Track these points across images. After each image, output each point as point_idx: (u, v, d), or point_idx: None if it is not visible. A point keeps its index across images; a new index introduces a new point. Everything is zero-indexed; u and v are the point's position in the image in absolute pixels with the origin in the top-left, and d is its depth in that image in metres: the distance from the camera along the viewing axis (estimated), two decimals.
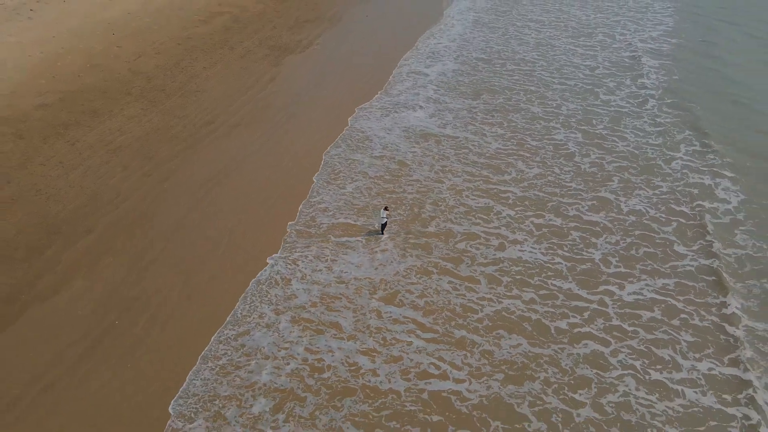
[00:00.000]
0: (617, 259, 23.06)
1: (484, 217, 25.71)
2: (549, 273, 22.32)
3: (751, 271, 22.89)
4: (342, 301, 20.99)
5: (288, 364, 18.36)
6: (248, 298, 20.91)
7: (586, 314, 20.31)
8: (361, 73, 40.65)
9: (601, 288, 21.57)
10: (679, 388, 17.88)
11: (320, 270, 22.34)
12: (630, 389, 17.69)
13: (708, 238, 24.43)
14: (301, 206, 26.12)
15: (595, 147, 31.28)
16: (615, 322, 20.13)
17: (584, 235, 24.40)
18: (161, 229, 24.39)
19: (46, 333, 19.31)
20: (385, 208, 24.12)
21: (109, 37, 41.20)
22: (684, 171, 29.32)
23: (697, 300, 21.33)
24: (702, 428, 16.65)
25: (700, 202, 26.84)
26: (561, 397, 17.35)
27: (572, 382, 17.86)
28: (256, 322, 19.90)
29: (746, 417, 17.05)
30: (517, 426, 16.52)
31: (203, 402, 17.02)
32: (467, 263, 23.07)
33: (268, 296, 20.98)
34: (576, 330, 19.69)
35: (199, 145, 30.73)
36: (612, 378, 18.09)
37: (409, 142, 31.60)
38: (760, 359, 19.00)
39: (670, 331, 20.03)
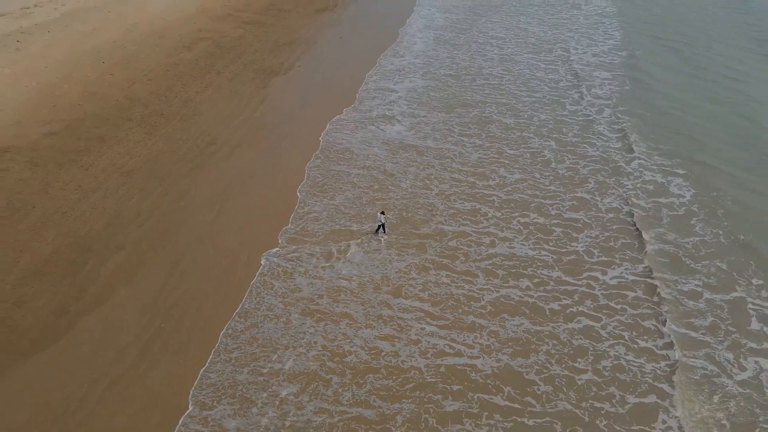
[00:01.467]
0: (598, 250, 26.79)
1: (473, 218, 29.14)
2: (538, 264, 25.88)
3: (705, 254, 26.98)
4: (347, 294, 23.91)
5: (309, 351, 21.13)
6: (267, 300, 23.61)
7: (576, 297, 23.91)
8: (343, 91, 43.79)
9: (586, 275, 25.22)
10: (664, 352, 21.55)
11: (323, 267, 25.27)
12: (621, 354, 21.27)
13: (669, 228, 28.45)
14: (300, 216, 28.88)
15: (569, 153, 35.25)
16: (602, 301, 23.76)
17: (567, 230, 28.13)
18: (186, 243, 26.84)
19: (101, 338, 21.60)
20: (382, 212, 27.21)
21: (99, 66, 43.17)
22: (641, 170, 33.48)
23: (669, 279, 25.19)
24: (685, 379, 20.35)
25: (657, 199, 30.93)
26: (563, 365, 20.79)
27: (571, 352, 21.34)
28: (273, 315, 22.64)
29: (704, 367, 20.83)
30: (527, 389, 19.84)
31: (225, 388, 19.59)
32: (462, 260, 26.38)
33: (281, 292, 23.73)
34: (569, 310, 23.25)
35: (206, 165, 33.19)
36: (605, 347, 21.63)
37: (391, 153, 34.79)
38: (719, 323, 22.92)
39: (651, 306, 23.80)
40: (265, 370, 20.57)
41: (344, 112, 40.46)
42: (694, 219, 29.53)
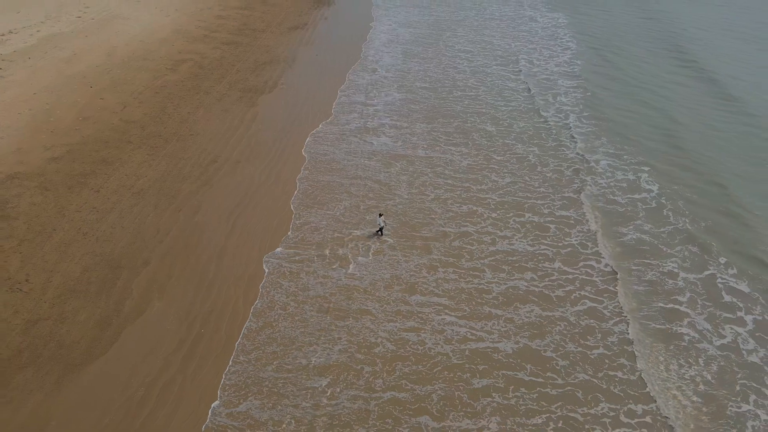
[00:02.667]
0: (592, 242, 30.06)
1: (472, 219, 32.01)
2: (539, 258, 28.91)
3: (680, 239, 30.67)
4: (360, 292, 26.32)
5: (334, 345, 23.45)
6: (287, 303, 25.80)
7: (577, 283, 27.01)
8: (327, 106, 46.22)
9: (582, 264, 28.40)
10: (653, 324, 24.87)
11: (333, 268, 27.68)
12: (624, 330, 24.45)
13: (645, 220, 32.06)
14: (297, 226, 31.12)
15: (551, 157, 38.69)
16: (601, 286, 26.95)
17: (560, 227, 31.29)
18: (209, 254, 28.69)
19: (147, 345, 23.31)
20: (380, 215, 29.89)
21: (88, 90, 44.28)
22: (611, 169, 37.23)
23: (652, 264, 28.66)
24: (672, 347, 23.59)
25: (631, 195, 34.61)
26: (576, 342, 23.76)
27: (581, 331, 24.35)
28: (287, 314, 24.85)
29: (689, 334, 24.22)
30: (547, 365, 22.71)
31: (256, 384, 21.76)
32: (467, 257, 29.16)
33: (291, 291, 25.96)
34: (573, 295, 26.31)
35: (212, 182, 34.98)
36: (610, 325, 24.77)
37: (382, 164, 37.39)
38: (698, 298, 26.44)
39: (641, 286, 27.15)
40: (291, 366, 22.65)
41: (322, 126, 42.79)
42: (665, 210, 33.23)
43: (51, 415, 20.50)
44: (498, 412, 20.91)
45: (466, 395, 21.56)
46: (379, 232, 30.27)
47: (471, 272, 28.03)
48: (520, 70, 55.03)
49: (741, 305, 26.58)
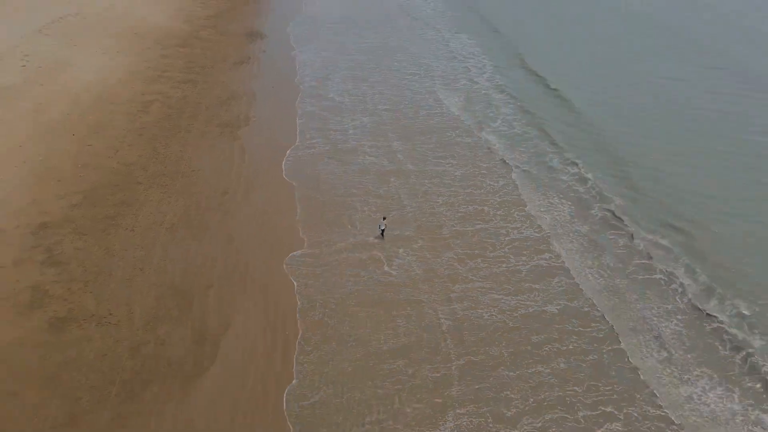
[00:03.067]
0: (588, 226, 37.88)
1: (483, 218, 38.75)
2: (549, 242, 36.14)
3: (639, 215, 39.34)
4: (404, 287, 32.33)
5: (396, 330, 29.30)
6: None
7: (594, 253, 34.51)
8: (304, 133, 51.62)
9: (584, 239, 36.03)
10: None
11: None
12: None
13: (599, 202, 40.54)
14: (320, 241, 36.65)
15: (530, 162, 46.65)
16: (607, 259, 34.59)
17: (554, 216, 38.91)
18: (261, 273, 33.45)
19: (247, 349, 27.79)
20: (383, 218, 36.20)
21: (72, 138, 47.02)
22: (567, 167, 45.78)
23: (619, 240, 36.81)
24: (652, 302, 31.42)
25: (576, 187, 43.05)
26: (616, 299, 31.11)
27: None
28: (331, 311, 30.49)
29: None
30: (588, 318, 29.56)
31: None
32: (490, 249, 35.77)
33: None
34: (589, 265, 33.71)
35: (232, 211, 39.44)
36: (628, 272, 32.28)
37: (378, 180, 43.50)
38: (666, 254, 34.76)
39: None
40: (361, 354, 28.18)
41: (302, 152, 48.33)
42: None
43: (191, 417, 24.56)
44: (560, 355, 27.46)
45: (530, 347, 27.97)
46: (381, 235, 36.34)
47: (497, 260, 34.78)
48: (468, 88, 63.20)
49: None
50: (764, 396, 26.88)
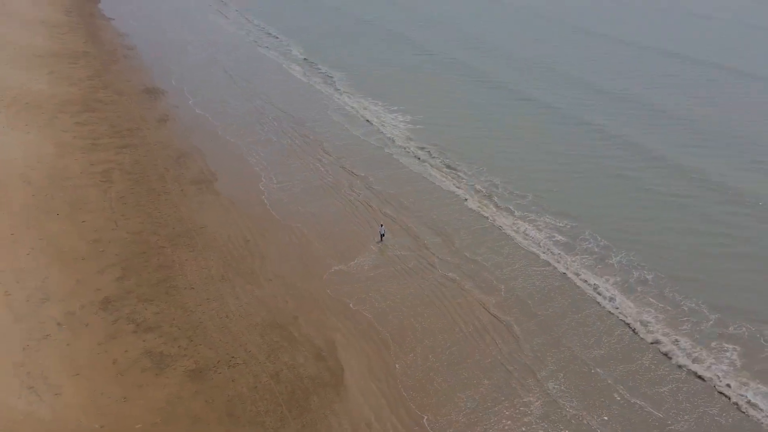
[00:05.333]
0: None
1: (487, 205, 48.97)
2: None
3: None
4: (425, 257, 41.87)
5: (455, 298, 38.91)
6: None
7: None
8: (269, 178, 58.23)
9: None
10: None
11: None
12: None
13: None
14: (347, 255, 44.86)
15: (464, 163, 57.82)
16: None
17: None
18: (311, 299, 40.29)
19: (363, 356, 35.21)
20: (381, 225, 46.01)
21: (59, 219, 48.71)
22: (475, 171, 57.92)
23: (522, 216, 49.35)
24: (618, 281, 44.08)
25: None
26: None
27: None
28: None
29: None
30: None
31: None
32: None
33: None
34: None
35: (259, 255, 45.30)
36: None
37: (380, 201, 52.18)
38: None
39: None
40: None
41: (279, 194, 55.37)
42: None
43: (352, 408, 31.57)
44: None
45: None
46: (381, 239, 45.80)
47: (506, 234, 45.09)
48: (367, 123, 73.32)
49: None
50: None
